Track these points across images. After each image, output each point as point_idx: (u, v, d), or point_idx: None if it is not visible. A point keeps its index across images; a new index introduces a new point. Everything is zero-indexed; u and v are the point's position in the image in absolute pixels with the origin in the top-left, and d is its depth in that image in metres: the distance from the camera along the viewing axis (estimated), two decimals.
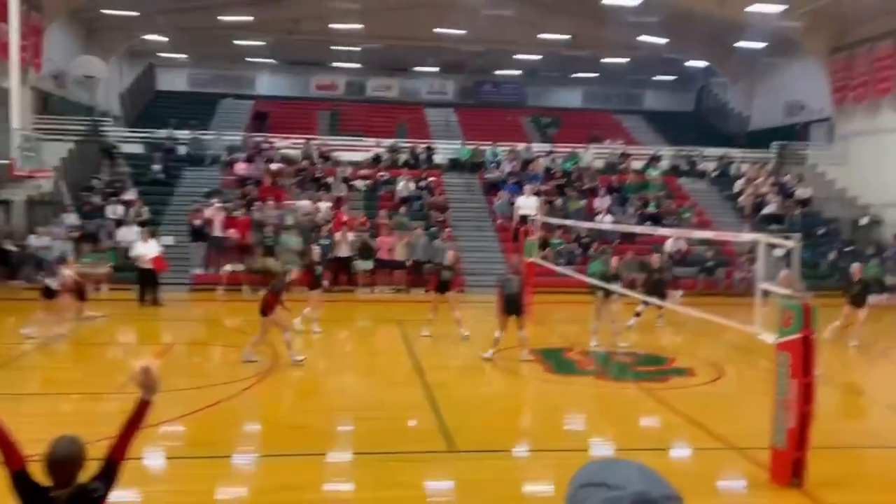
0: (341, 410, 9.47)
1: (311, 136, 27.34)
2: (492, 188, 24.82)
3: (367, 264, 20.20)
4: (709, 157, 28.47)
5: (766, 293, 8.37)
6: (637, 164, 27.20)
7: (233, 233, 19.57)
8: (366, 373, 11.65)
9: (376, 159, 26.02)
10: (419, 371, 11.10)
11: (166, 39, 30.81)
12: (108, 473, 3.48)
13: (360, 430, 8.73)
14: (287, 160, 24.93)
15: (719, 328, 14.27)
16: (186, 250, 20.28)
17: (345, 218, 20.99)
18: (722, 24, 27.60)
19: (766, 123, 31.57)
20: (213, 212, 20.07)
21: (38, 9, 22.05)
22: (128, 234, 19.66)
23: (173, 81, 35.87)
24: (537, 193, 23.26)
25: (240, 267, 19.28)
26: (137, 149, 25.75)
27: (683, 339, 14.13)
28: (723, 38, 30.03)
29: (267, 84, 37.08)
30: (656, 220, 22.99)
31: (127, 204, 21.42)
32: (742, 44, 30.04)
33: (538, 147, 28.16)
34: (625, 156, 27.60)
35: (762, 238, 8.10)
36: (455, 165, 26.51)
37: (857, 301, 13.88)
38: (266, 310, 11.06)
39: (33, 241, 19.96)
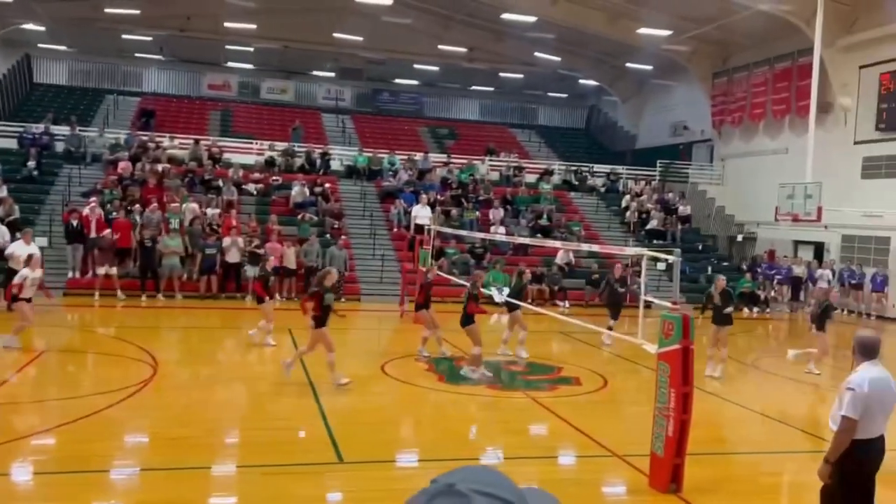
0: (227, 421, 9.13)
1: (200, 136, 26.47)
2: (388, 196, 24.77)
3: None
4: (598, 172, 29.52)
5: (648, 304, 8.70)
6: (530, 178, 27.86)
7: (109, 233, 18.55)
8: (253, 382, 11.30)
9: (270, 163, 25.45)
10: (309, 381, 10.87)
11: (44, 29, 29.11)
12: None
13: (247, 441, 8.45)
14: (174, 161, 24.01)
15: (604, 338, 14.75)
16: (62, 252, 19.15)
17: (234, 223, 20.38)
18: (613, 45, 28.77)
19: (652, 142, 33.05)
20: (91, 212, 19.02)
21: None
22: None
23: (52, 74, 33.97)
24: (433, 203, 23.39)
25: (113, 271, 18.34)
26: (10, 144, 24.16)
27: (571, 349, 14.51)
28: (614, 58, 31.31)
29: (155, 81, 35.65)
30: (547, 232, 23.57)
31: None
32: (631, 65, 31.41)
33: (435, 157, 28.37)
34: (519, 169, 28.20)
35: (646, 252, 8.41)
36: (351, 172, 26.31)
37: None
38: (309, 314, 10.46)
39: None
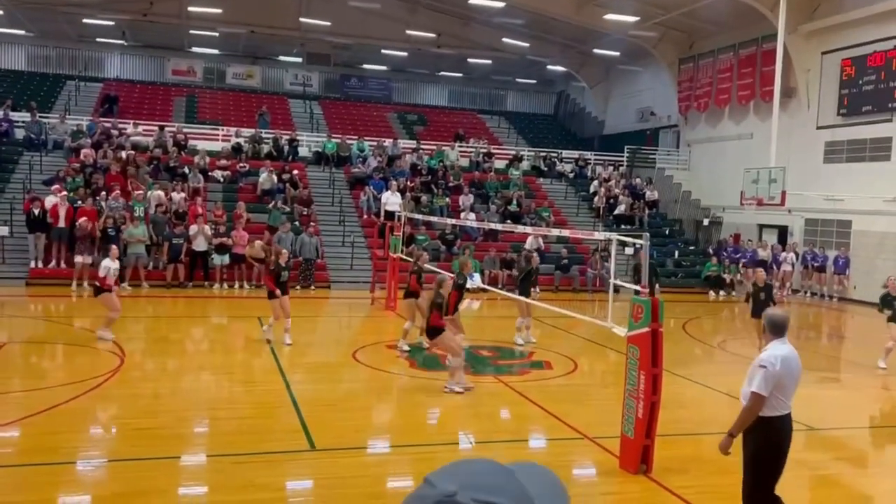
0: (196, 411, 9.05)
1: (165, 122, 26.04)
2: (357, 183, 24.64)
3: (225, 259, 19.47)
4: (566, 158, 29.65)
5: (616, 289, 8.78)
6: (500, 164, 27.89)
7: (84, 221, 18.18)
8: (222, 371, 11.21)
9: (237, 149, 25.15)
10: (279, 369, 10.81)
11: (1, 13, 28.36)
12: None
13: (216, 430, 8.38)
14: (138, 147, 23.60)
15: (574, 322, 14.90)
16: (23, 242, 18.76)
17: (200, 210, 20.11)
18: (580, 31, 28.84)
19: (619, 128, 33.27)
20: (55, 200, 18.64)
21: None
22: None
23: (10, 59, 33.11)
24: (403, 190, 23.33)
25: (88, 260, 18.00)
26: None
27: (541, 334, 14.59)
28: (581, 44, 31.39)
29: (118, 66, 34.94)
30: (517, 218, 23.66)
31: None
32: (599, 51, 31.53)
33: (404, 143, 28.26)
34: (488, 155, 28.22)
35: (615, 236, 8.47)
36: (320, 159, 26.10)
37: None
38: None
39: None
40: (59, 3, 28.37)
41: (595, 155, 30.59)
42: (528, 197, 25.65)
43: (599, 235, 14.62)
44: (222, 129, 26.64)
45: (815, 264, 22.88)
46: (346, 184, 24.98)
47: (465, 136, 30.95)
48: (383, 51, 34.63)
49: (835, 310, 21.33)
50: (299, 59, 36.40)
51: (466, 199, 24.28)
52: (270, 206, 21.78)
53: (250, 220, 20.66)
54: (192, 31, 32.40)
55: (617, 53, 31.33)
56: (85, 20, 30.38)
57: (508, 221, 22.82)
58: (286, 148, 25.86)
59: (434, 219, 20.86)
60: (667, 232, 26.33)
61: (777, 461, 5.28)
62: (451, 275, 11.64)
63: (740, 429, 5.26)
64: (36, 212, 18.50)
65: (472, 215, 22.99)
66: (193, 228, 19.20)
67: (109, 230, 18.34)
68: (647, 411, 7.01)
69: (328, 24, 30.65)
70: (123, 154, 22.55)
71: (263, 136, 26.25)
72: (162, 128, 24.87)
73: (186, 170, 22.64)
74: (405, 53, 34.59)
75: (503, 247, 22.63)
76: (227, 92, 33.80)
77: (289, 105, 32.89)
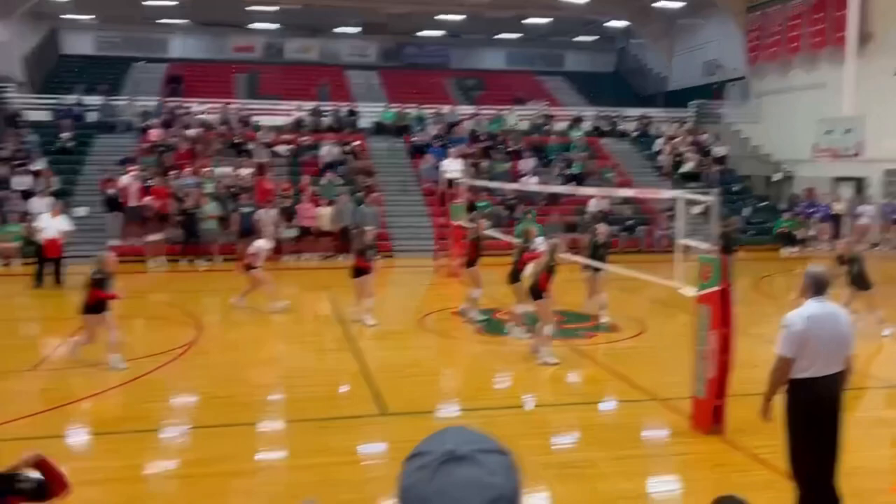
0: (271, 379, 9.36)
1: (228, 100, 26.52)
2: (417, 152, 24.69)
3: (292, 232, 19.87)
4: (629, 117, 29.00)
5: (685, 249, 8.62)
6: (560, 126, 27.48)
7: (151, 201, 18.82)
8: (294, 341, 11.52)
9: (298, 124, 25.47)
10: (349, 337, 11.03)
11: (69, 0, 29.21)
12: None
13: (291, 397, 8.66)
14: (205, 126, 24.15)
15: (641, 284, 14.66)
16: (101, 221, 19.51)
17: (267, 185, 20.51)
18: None
19: (684, 83, 32.29)
20: (129, 180, 19.29)
21: None
22: (39, 205, 18.69)
23: (79, 45, 34.10)
24: (463, 156, 23.27)
25: (160, 237, 18.64)
26: (44, 116, 24.47)
27: (607, 297, 14.43)
28: None
29: (180, 46, 35.61)
30: (579, 180, 23.35)
31: (35, 174, 20.40)
32: (661, 4, 30.56)
33: (463, 109, 28.09)
34: (548, 117, 27.83)
35: (682, 195, 8.30)
36: (379, 129, 26.21)
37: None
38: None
39: None
40: None
41: (659, 112, 29.82)
42: (590, 158, 25.26)
43: (667, 194, 14.32)
44: (284, 104, 26.99)
45: (895, 217, 21.92)
46: (406, 153, 25.07)
47: (524, 98, 30.57)
48: (439, 16, 34.33)
49: None
50: (356, 30, 36.44)
51: (527, 163, 24.07)
52: (326, 178, 21.87)
53: (315, 193, 20.97)
54: (250, 8, 32.73)
55: (679, 5, 30.33)
56: (145, 2, 31.02)
57: (571, 184, 22.56)
58: (346, 119, 26.06)
59: (495, 184, 20.78)
60: (736, 189, 25.60)
61: (810, 427, 4.93)
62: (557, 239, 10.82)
63: (771, 392, 5.03)
64: (111, 192, 19.20)
65: (534, 179, 22.81)
66: (261, 203, 19.62)
67: (189, 210, 18.79)
68: (719, 371, 6.92)
69: None
70: (190, 132, 23.12)
71: (324, 108, 26.49)
72: (226, 105, 25.36)
73: (251, 146, 23.09)
74: (461, 17, 34.22)
75: (566, 210, 22.40)
76: (287, 66, 34.14)
77: (347, 77, 33.04)
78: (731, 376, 7.01)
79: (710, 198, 7.27)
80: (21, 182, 20.10)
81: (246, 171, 21.17)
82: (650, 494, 6.20)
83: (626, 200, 22.49)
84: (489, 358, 10.61)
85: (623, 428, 7.58)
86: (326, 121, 25.88)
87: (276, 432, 7.53)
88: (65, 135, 22.87)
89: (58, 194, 20.11)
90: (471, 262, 12.53)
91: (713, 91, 30.55)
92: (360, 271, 11.85)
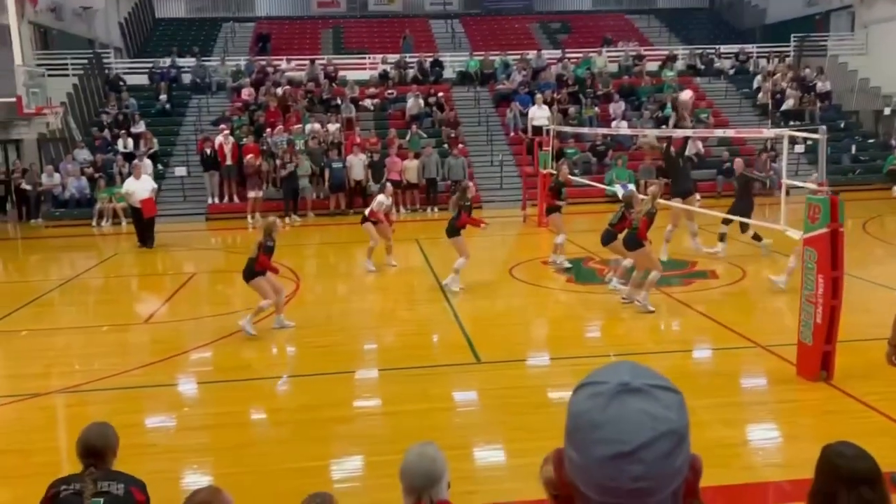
0: (366, 329, 9.57)
1: (315, 56, 26.76)
2: (503, 100, 24.33)
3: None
4: (725, 54, 27.63)
5: (789, 190, 8.21)
6: (651, 66, 26.48)
7: (250, 159, 19.35)
8: (388, 292, 11.72)
9: (383, 77, 25.49)
10: (441, 287, 11.13)
11: None
12: None
13: (386, 346, 8.85)
14: (293, 83, 24.49)
15: (739, 229, 14.13)
16: (200, 180, 20.23)
17: (356, 139, 20.72)
18: None
19: (783, 15, 30.45)
20: (223, 140, 19.87)
21: None
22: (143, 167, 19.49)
23: (172, 8, 34.97)
24: (550, 103, 22.79)
25: (259, 194, 19.19)
26: (142, 80, 25.38)
27: (703, 242, 13.99)
28: None
29: (267, 5, 36.06)
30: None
31: (136, 137, 21.27)
32: None
33: (549, 54, 27.41)
34: (639, 58, 26.85)
35: (787, 133, 7.87)
36: (464, 79, 25.94)
37: None
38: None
39: (46, 179, 20.00)
40: None
41: (757, 48, 28.26)
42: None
43: (768, 133, 13.64)
44: (368, 58, 27.02)
45: None
46: (491, 101, 24.75)
47: (613, 39, 29.54)
48: None
49: None
50: None
51: (617, 107, 23.37)
52: (411, 131, 21.83)
53: (402, 146, 21.05)
54: None
55: None
56: None
57: (664, 127, 21.81)
58: (430, 70, 25.89)
59: (584, 130, 20.29)
60: (842, 125, 24.15)
61: None
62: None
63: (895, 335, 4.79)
64: (208, 151, 19.84)
65: (625, 123, 22.15)
66: (350, 157, 19.86)
67: (289, 167, 19.14)
68: (828, 316, 6.62)
69: None
70: (280, 91, 23.52)
71: (408, 60, 26.39)
72: (313, 61, 25.61)
73: (339, 101, 23.31)
74: None
75: (659, 155, 21.69)
76: (371, 19, 34.09)
77: (430, 26, 32.73)
78: (841, 321, 6.69)
79: (818, 135, 6.85)
80: (125, 144, 21.02)
81: (334, 127, 21.43)
82: (752, 441, 6.04)
83: (723, 142, 21.58)
84: (581, 306, 10.51)
85: (723, 375, 7.39)
86: (411, 73, 25.79)
87: (374, 380, 7.72)
88: (162, 97, 23.70)
89: (157, 155, 20.94)
90: (553, 209, 12.36)
91: (815, 22, 28.70)
92: (456, 230, 11.00)
